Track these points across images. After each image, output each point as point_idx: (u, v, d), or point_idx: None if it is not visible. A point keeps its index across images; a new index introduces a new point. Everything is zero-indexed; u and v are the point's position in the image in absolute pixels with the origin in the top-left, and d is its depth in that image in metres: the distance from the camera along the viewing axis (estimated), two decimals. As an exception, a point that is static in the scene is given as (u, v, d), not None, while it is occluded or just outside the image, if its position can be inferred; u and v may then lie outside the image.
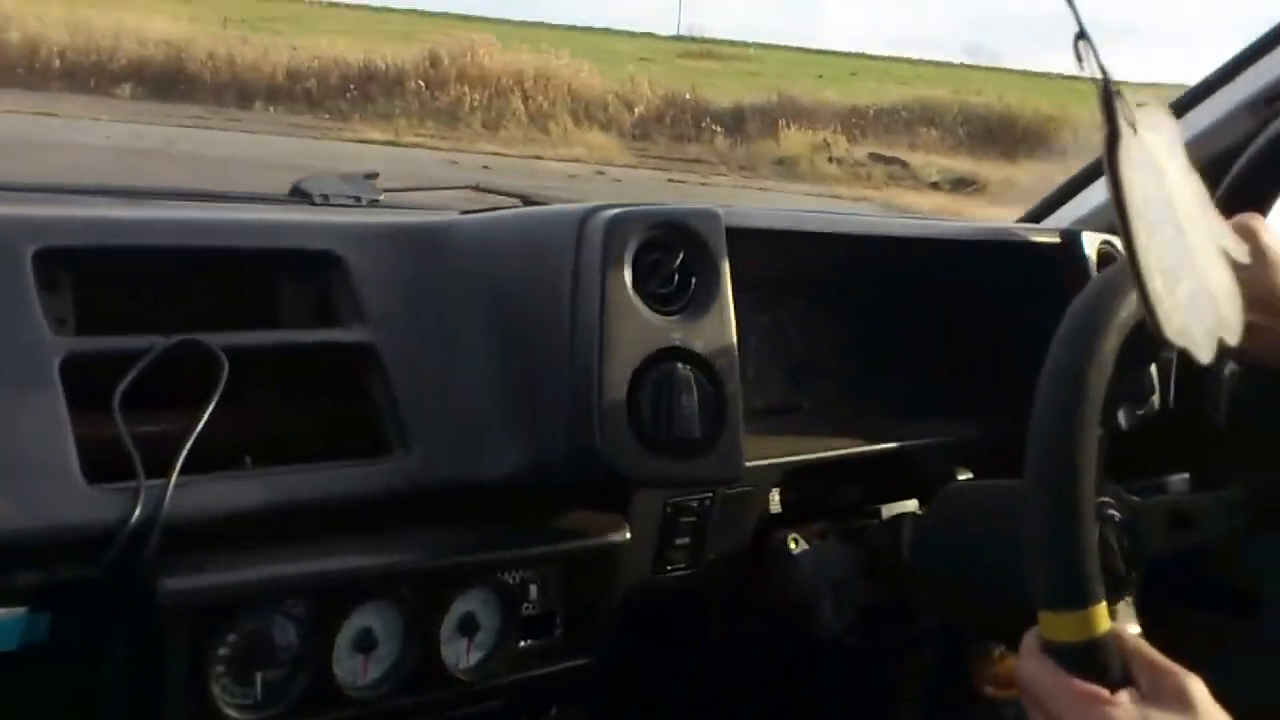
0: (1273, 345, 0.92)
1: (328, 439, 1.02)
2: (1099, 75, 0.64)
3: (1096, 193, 1.75)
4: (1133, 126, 0.66)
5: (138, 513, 0.84)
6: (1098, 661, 0.70)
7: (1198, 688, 0.69)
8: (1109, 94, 0.64)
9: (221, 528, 0.90)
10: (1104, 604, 0.71)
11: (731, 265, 1.10)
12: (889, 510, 1.31)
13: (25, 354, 0.88)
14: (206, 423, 0.91)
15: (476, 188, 1.42)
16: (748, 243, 1.29)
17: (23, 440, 0.85)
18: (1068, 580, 0.71)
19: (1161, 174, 0.69)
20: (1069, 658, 0.71)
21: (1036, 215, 1.84)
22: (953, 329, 1.56)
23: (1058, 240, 1.52)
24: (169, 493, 0.86)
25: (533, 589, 1.07)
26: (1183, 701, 0.68)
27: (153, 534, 0.84)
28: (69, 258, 0.97)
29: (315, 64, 20.96)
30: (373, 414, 1.03)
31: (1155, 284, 0.64)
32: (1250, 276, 0.85)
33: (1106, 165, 0.64)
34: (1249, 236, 0.89)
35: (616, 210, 1.04)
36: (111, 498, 0.85)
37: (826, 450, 1.35)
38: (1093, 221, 1.70)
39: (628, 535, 1.10)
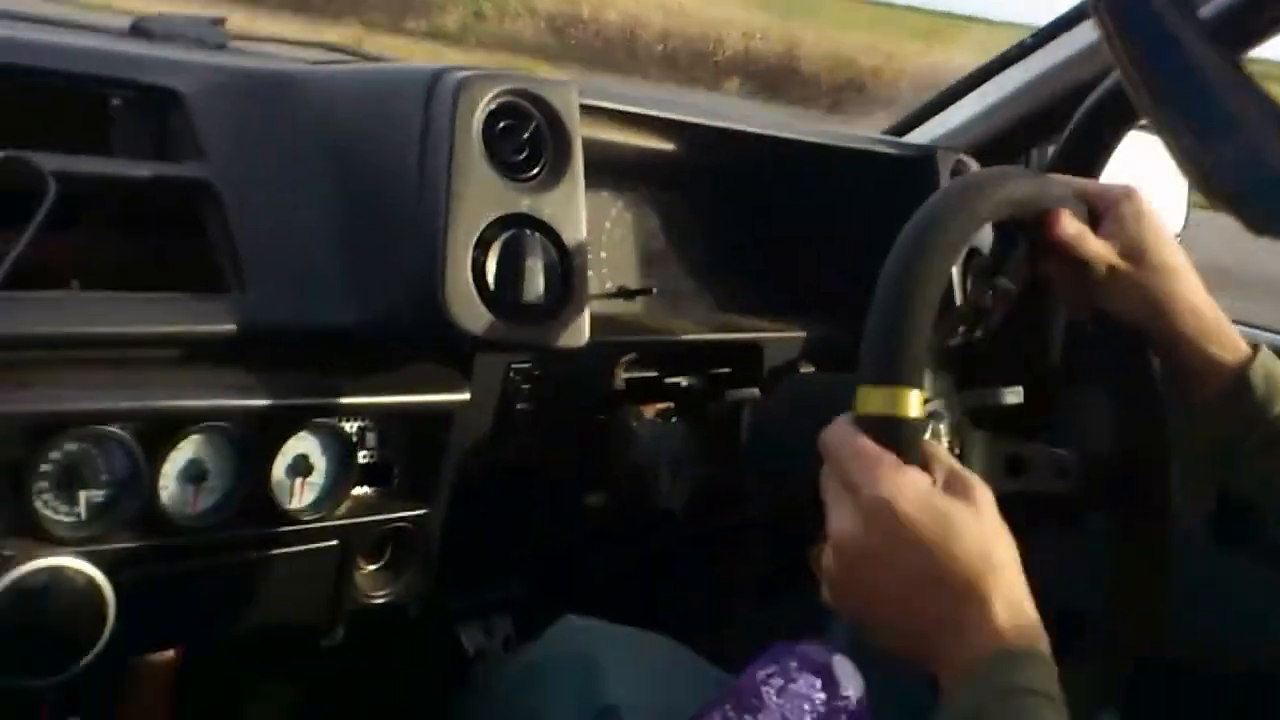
0: (1130, 296, 0.99)
1: (162, 275, 1.00)
2: None
3: (960, 111, 1.82)
4: None
5: None
6: (899, 438, 0.74)
7: (985, 495, 0.74)
8: None
9: (46, 347, 0.88)
10: (919, 392, 0.75)
11: (588, 145, 1.11)
12: (731, 394, 1.35)
13: None
14: (31, 245, 0.89)
15: (330, 46, 1.40)
16: (605, 122, 1.31)
17: None
18: (887, 357, 0.75)
19: None
20: (872, 426, 0.74)
21: (900, 129, 1.90)
22: (809, 231, 1.62)
23: (915, 155, 1.59)
24: None
25: (370, 437, 1.08)
26: (969, 498, 0.73)
27: None
28: None
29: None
30: (208, 252, 1.02)
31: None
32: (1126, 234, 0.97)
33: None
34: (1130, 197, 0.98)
35: (468, 74, 1.05)
36: None
37: (674, 333, 1.39)
38: (951, 140, 1.77)
39: (468, 395, 1.12)
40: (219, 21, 1.26)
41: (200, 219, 1.02)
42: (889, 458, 0.73)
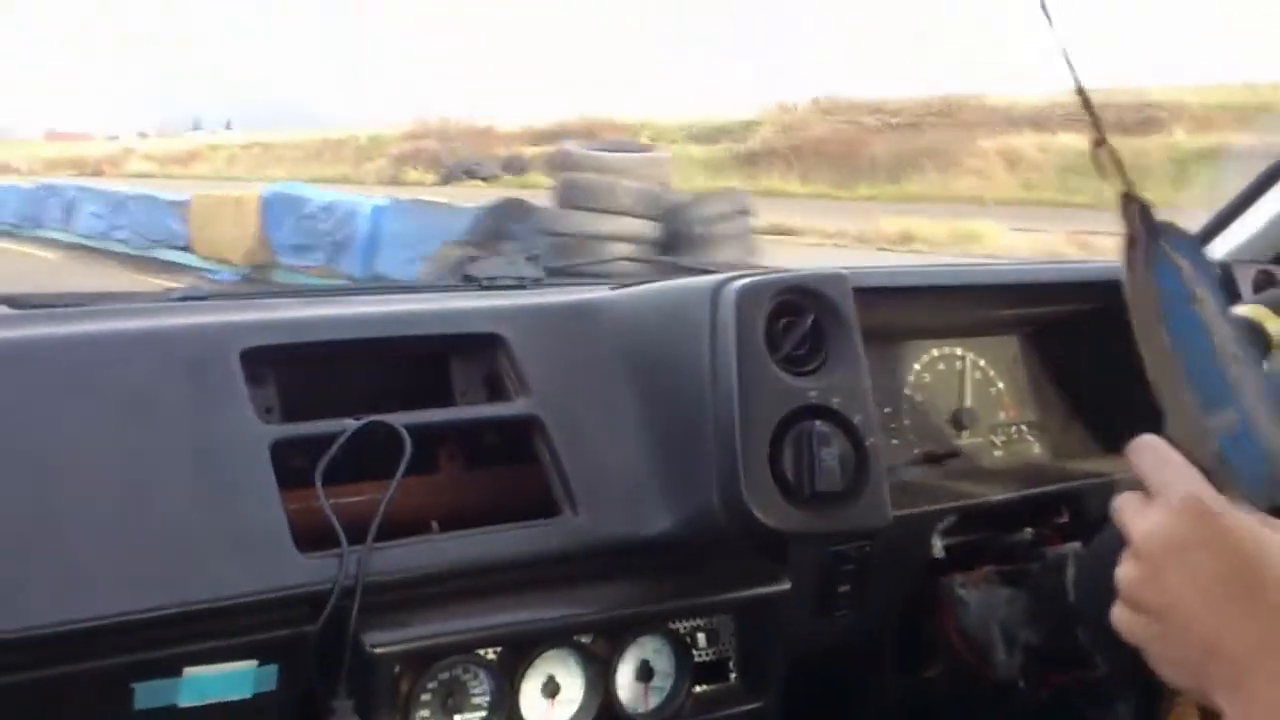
0: None
1: (502, 503, 1.14)
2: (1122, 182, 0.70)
3: (1256, 218, 1.75)
4: (1154, 232, 0.72)
5: (344, 576, 0.98)
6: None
7: None
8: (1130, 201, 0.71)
9: (416, 586, 1.03)
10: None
11: (876, 317, 1.18)
12: (1053, 551, 1.34)
13: (241, 441, 1.04)
14: (396, 493, 1.05)
15: (629, 259, 1.54)
16: (887, 296, 1.37)
17: (244, 516, 1.00)
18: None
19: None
20: None
21: (1204, 237, 1.85)
22: (1103, 364, 1.59)
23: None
24: (369, 558, 0.99)
25: (702, 637, 1.17)
26: None
27: (358, 594, 0.97)
28: (271, 354, 1.13)
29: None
30: (542, 479, 1.14)
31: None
32: None
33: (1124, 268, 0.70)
34: None
35: (746, 280, 1.14)
36: (321, 563, 0.99)
37: (987, 494, 1.40)
38: (1250, 249, 1.71)
39: (788, 585, 1.18)
40: (534, 257, 1.44)
41: (532, 450, 1.16)
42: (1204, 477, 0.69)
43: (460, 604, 1.04)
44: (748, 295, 1.13)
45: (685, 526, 1.13)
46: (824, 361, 1.15)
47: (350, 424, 1.08)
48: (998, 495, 1.40)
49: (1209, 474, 0.70)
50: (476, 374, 1.24)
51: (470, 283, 1.45)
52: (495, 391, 1.22)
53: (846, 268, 1.22)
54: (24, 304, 1.22)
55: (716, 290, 1.15)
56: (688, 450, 1.14)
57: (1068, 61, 0.70)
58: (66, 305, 1.22)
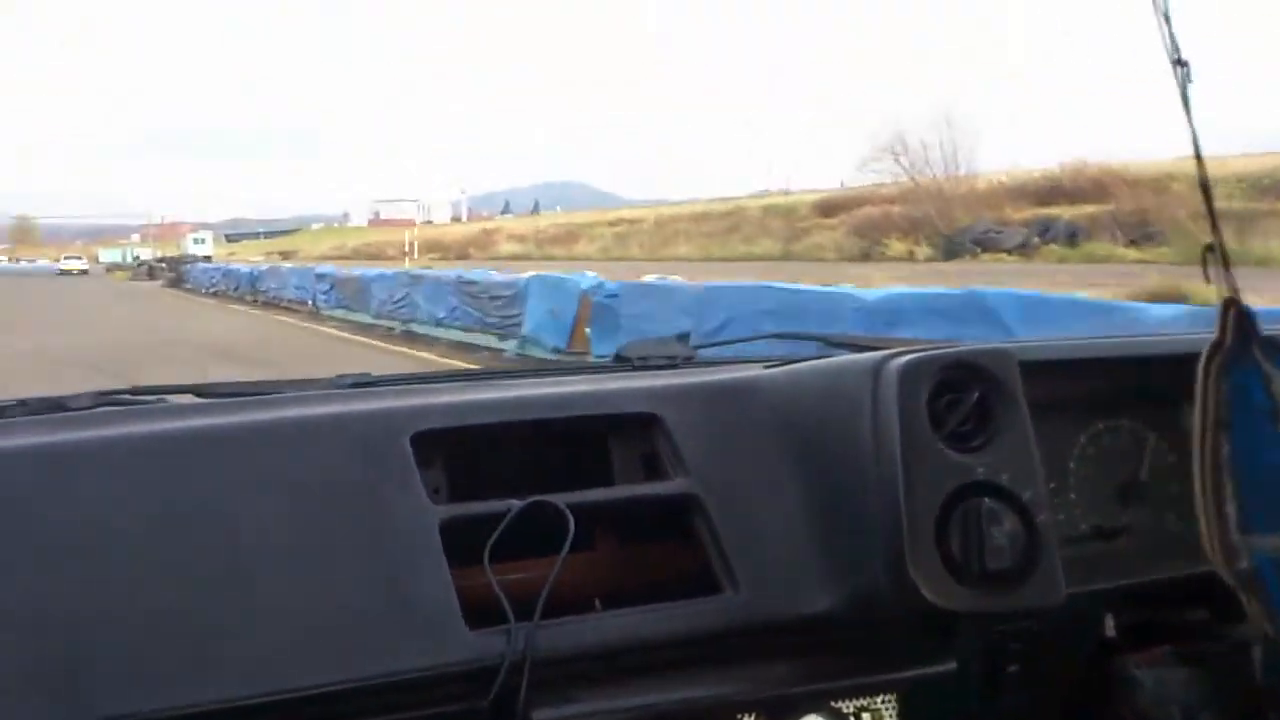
0: None
1: (662, 581, 1.16)
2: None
3: None
4: (1249, 339, 0.71)
5: (513, 652, 1.01)
6: None
7: None
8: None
9: (581, 662, 1.06)
10: None
11: (1041, 390, 1.17)
12: (1236, 632, 1.29)
13: (412, 521, 1.09)
14: (560, 570, 1.08)
15: (777, 335, 1.57)
16: (1053, 369, 1.36)
17: (415, 594, 1.05)
18: None
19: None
20: None
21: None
22: None
23: None
24: (536, 634, 1.02)
25: (866, 717, 1.16)
26: None
27: (526, 670, 1.01)
28: (439, 437, 1.18)
29: None
30: (702, 557, 1.16)
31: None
32: None
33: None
34: None
35: (908, 357, 1.15)
36: (490, 640, 1.03)
37: (1160, 571, 1.36)
38: None
39: (954, 664, 1.17)
40: (683, 336, 1.48)
41: (691, 528, 1.18)
42: None
43: (624, 680, 1.07)
44: (910, 373, 1.14)
45: (848, 604, 1.14)
46: (990, 437, 1.14)
47: (515, 504, 1.13)
48: (1172, 572, 1.36)
49: (1235, 588, 0.69)
50: (634, 453, 1.27)
51: (624, 363, 1.49)
52: (653, 470, 1.25)
53: (1011, 341, 1.21)
54: (209, 393, 1.31)
55: (877, 368, 1.16)
56: (850, 528, 1.15)
57: (1197, 156, 0.70)
58: (248, 394, 1.30)
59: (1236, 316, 0.72)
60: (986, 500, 1.10)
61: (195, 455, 1.11)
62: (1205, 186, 0.72)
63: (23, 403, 1.26)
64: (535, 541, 1.13)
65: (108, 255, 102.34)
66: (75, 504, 1.03)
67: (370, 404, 1.23)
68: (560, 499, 1.14)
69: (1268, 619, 0.69)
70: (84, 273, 70.84)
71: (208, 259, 56.31)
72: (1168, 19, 0.72)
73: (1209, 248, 0.71)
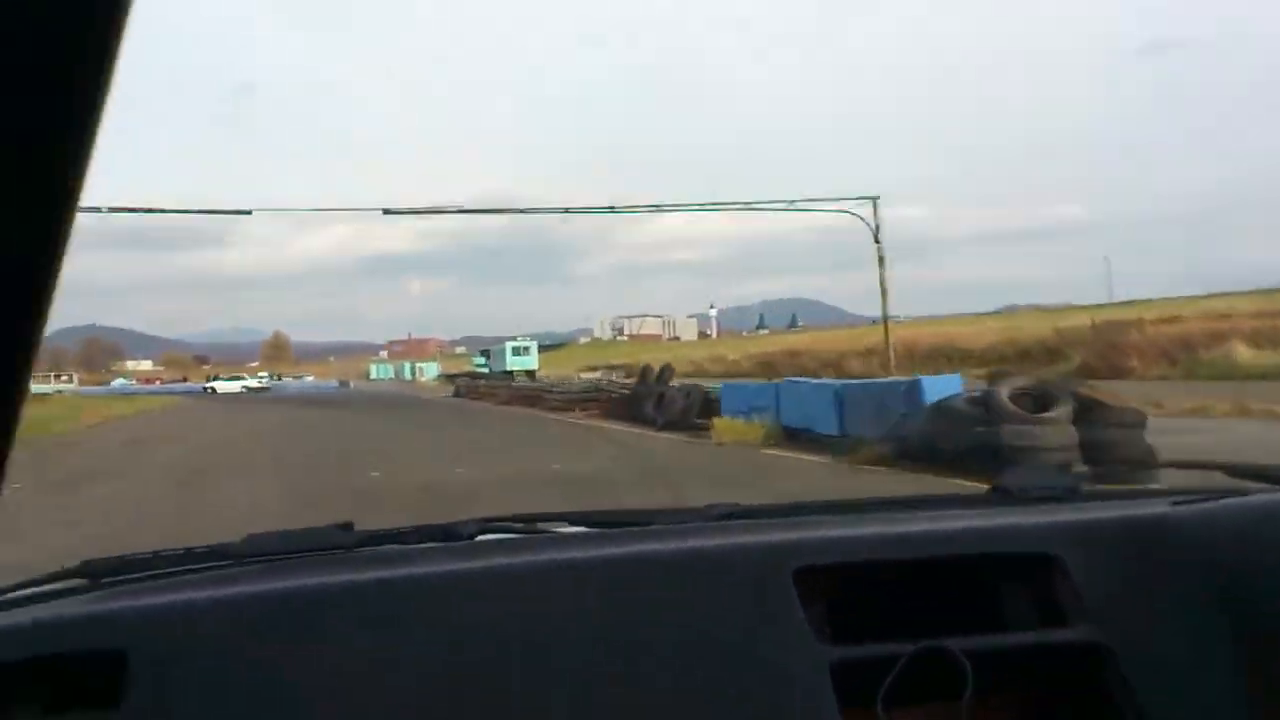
0: None
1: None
2: None
3: None
4: None
5: None
6: None
7: None
8: None
9: None
10: None
11: None
12: None
13: (800, 662, 1.07)
14: (960, 721, 1.02)
15: (1175, 464, 1.45)
16: None
17: None
18: None
19: None
20: None
21: None
22: None
23: None
24: None
25: None
26: None
27: None
28: (822, 574, 1.16)
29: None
30: (1111, 711, 1.07)
31: None
32: None
33: None
34: None
35: None
36: None
37: None
38: None
39: None
40: (1066, 466, 1.39)
41: (1100, 682, 1.09)
42: None
43: None
44: None
45: None
46: None
47: (907, 648, 1.08)
48: None
49: None
50: (1027, 595, 1.20)
51: (1004, 494, 1.42)
52: (1050, 615, 1.17)
53: None
54: (584, 522, 1.35)
55: None
56: None
57: None
58: (624, 524, 1.33)
59: None
60: None
61: (581, 585, 1.13)
62: None
63: (417, 529, 1.34)
64: (923, 687, 1.08)
65: (378, 371, 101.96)
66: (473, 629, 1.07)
67: (746, 537, 1.22)
68: (956, 644, 1.09)
69: None
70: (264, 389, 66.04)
71: (530, 375, 49.64)
72: None
73: None
